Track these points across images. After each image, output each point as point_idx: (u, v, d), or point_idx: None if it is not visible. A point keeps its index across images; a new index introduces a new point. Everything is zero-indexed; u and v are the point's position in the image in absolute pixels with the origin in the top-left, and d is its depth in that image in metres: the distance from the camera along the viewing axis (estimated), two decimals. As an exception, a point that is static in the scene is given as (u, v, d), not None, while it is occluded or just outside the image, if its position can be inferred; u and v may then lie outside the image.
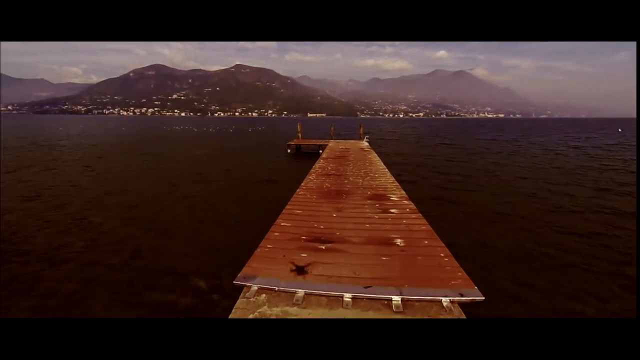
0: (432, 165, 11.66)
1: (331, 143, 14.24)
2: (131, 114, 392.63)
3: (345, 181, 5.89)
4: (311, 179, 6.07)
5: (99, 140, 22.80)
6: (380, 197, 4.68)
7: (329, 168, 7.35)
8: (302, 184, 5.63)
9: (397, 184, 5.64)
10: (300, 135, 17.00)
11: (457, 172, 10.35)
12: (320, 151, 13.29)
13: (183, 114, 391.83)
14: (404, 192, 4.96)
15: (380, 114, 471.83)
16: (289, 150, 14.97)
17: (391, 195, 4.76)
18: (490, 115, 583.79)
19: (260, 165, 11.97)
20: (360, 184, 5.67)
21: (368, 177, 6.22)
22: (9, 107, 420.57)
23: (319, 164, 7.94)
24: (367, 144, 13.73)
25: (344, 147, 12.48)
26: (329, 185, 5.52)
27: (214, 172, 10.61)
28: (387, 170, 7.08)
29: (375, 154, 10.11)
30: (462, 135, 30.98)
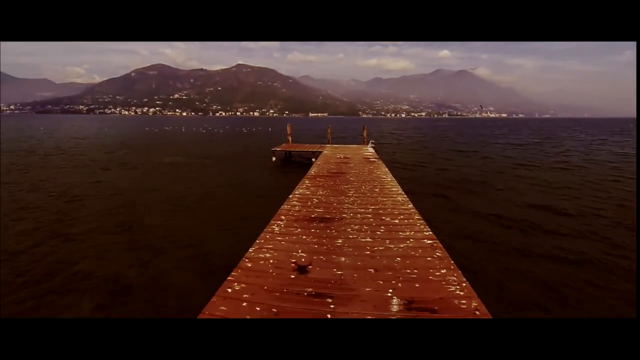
0: (467, 193, 7.73)
1: (327, 149, 11.38)
2: (133, 113, 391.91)
3: (339, 241, 3.03)
4: (274, 233, 3.21)
5: (53, 144, 20.07)
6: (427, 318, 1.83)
7: (315, 201, 4.48)
8: (249, 253, 2.77)
9: (443, 251, 2.77)
10: (290, 138, 14.07)
11: (503, 211, 6.12)
12: (313, 159, 10.47)
13: (184, 114, 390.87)
14: (473, 295, 2.10)
15: (383, 113, 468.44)
16: (273, 159, 12.06)
17: (451, 311, 1.90)
18: (492, 115, 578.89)
19: (219, 188, 8.27)
20: (368, 250, 2.81)
21: (382, 228, 3.35)
22: (12, 107, 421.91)
23: (300, 190, 5.08)
24: (372, 150, 10.86)
25: (342, 155, 9.62)
26: (303, 259, 2.66)
27: (143, 206, 6.44)
28: (412, 206, 4.20)
29: (386, 169, 7.24)
30: (474, 138, 27.82)
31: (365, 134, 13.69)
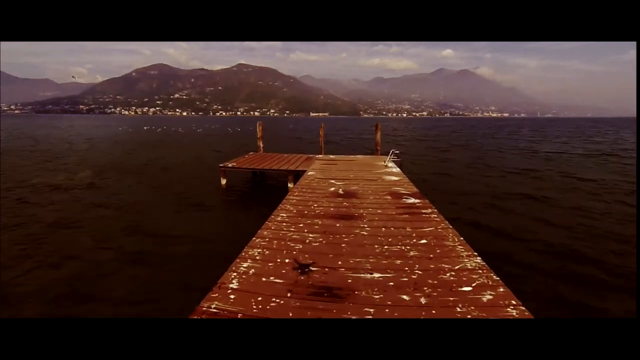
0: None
1: (316, 165, 6.53)
2: (133, 113, 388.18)
3: None
4: None
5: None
6: None
7: None
8: None
9: None
10: (261, 144, 9.13)
11: None
12: (290, 185, 5.75)
13: (185, 114, 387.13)
14: None
15: (384, 113, 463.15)
16: (223, 182, 7.19)
17: None
18: (494, 115, 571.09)
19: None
20: None
21: None
22: (12, 107, 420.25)
23: None
24: (398, 170, 6.01)
25: (342, 188, 4.79)
26: None
27: None
28: None
29: (479, 258, 2.44)
30: (502, 143, 22.67)
31: (378, 137, 8.75)
